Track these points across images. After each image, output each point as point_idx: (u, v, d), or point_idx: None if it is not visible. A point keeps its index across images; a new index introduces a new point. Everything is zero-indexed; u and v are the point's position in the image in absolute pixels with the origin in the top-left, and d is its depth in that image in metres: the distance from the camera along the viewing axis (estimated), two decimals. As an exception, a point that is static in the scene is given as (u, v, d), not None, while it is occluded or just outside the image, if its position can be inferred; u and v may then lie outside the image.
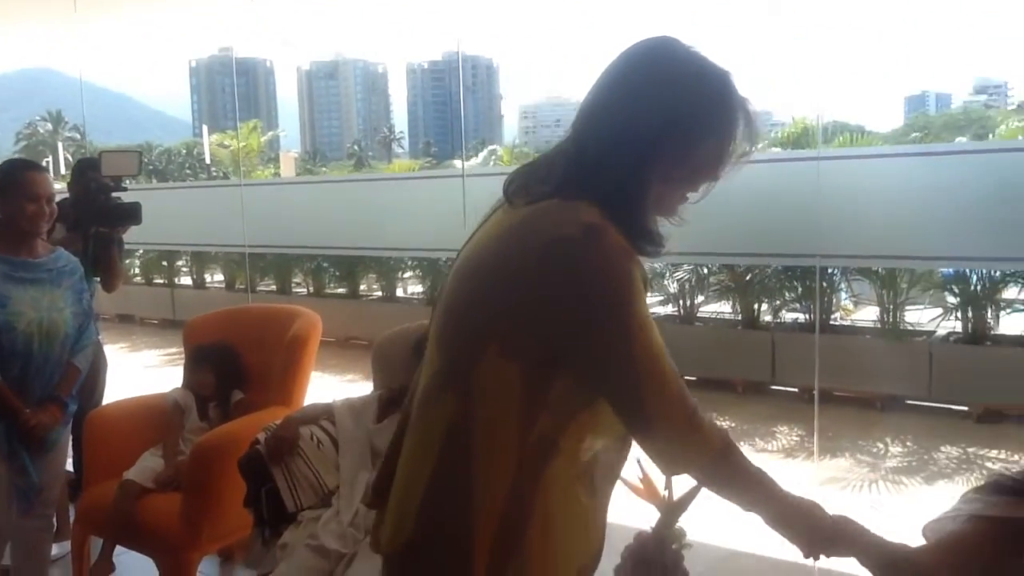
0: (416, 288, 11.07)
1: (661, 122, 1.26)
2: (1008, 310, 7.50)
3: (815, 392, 4.39)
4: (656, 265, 8.87)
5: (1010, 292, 7.57)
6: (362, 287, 11.13)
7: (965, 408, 6.72)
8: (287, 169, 17.13)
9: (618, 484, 1.69)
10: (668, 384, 1.24)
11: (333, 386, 7.07)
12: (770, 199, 3.07)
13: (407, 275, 11.05)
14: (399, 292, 11.02)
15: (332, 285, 11.22)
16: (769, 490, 1.33)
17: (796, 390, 7.70)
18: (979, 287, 7.43)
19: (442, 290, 1.38)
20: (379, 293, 11.02)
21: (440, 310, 1.34)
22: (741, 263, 7.41)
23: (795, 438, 6.38)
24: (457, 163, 11.73)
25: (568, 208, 1.23)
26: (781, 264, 7.05)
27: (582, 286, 1.20)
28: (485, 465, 1.24)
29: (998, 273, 7.29)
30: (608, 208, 1.24)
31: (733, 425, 6.70)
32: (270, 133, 18.49)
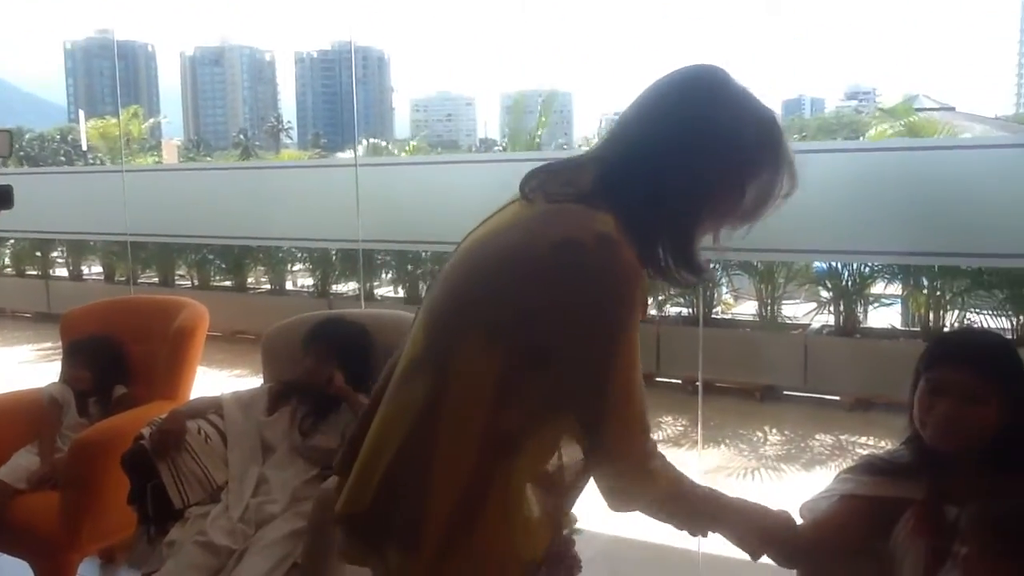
0: (306, 281, 10.90)
1: (709, 162, 1.27)
2: (876, 304, 7.92)
3: (699, 383, 4.54)
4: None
5: (878, 287, 8.00)
6: (249, 280, 10.88)
7: (837, 397, 7.08)
8: (169, 157, 16.56)
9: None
10: (634, 415, 1.27)
11: (220, 381, 6.90)
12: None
13: (296, 268, 10.87)
14: (288, 285, 10.83)
15: (218, 278, 10.93)
16: (711, 520, 1.43)
17: (680, 381, 7.92)
18: (850, 282, 7.81)
19: (438, 277, 1.39)
20: (267, 286, 10.80)
21: (437, 294, 1.36)
22: None
23: (679, 428, 6.58)
24: (343, 154, 11.60)
25: (586, 215, 1.24)
26: None
27: (584, 291, 1.21)
28: (449, 447, 1.25)
29: (867, 269, 7.69)
30: (629, 226, 1.24)
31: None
32: (151, 120, 17.81)
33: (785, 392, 7.38)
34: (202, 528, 2.47)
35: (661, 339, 8.03)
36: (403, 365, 1.35)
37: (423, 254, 9.45)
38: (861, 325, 7.72)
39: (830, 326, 7.79)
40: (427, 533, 1.25)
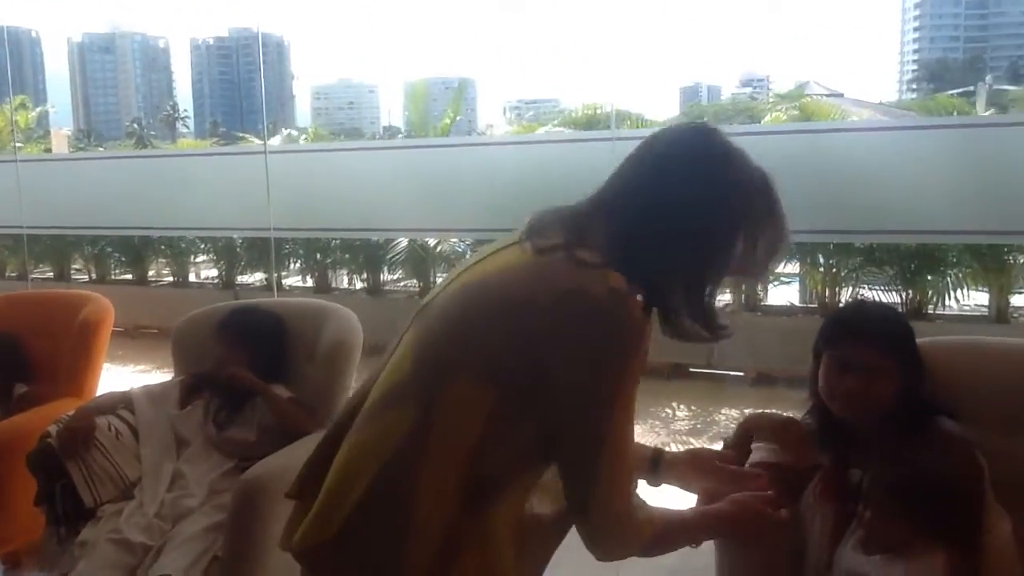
0: (210, 272, 10.65)
1: (722, 221, 1.27)
2: (775, 282, 8.20)
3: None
4: (459, 247, 9.00)
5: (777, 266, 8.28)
6: (151, 273, 10.58)
7: (741, 373, 7.31)
8: (59, 148, 15.88)
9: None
10: (625, 470, 1.27)
11: (124, 378, 6.70)
12: (566, 177, 3.23)
13: (200, 259, 10.61)
14: (192, 277, 10.56)
15: (118, 271, 10.58)
16: (687, 537, 1.46)
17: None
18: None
19: (430, 308, 1.35)
20: (170, 278, 10.51)
21: (429, 317, 1.32)
22: None
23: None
24: (249, 142, 11.33)
25: (597, 268, 1.21)
26: None
27: (591, 340, 1.19)
28: (430, 486, 1.22)
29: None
30: (641, 283, 1.23)
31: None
32: (38, 109, 17.04)
33: (691, 369, 7.58)
34: (116, 526, 2.41)
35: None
36: (382, 391, 1.30)
37: (332, 242, 9.35)
38: (762, 303, 7.98)
39: (732, 304, 8.04)
40: (404, 567, 1.22)
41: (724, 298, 8.12)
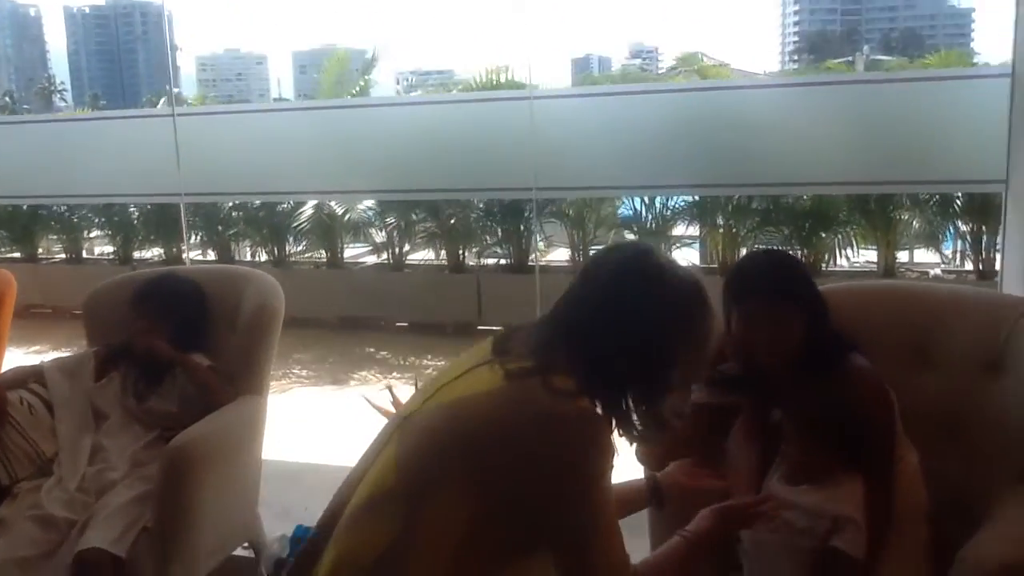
0: (105, 248, 10.23)
1: (663, 332, 1.38)
2: (678, 245, 8.43)
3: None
4: (367, 214, 8.92)
5: (679, 229, 8.51)
6: (40, 250, 10.10)
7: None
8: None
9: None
10: (619, 561, 1.37)
11: (18, 359, 6.41)
12: (487, 137, 3.26)
13: (94, 234, 10.19)
14: (85, 253, 10.13)
15: (3, 249, 10.08)
16: (687, 560, 1.53)
17: (500, 328, 8.13)
18: (653, 225, 8.26)
19: (410, 414, 1.44)
20: (62, 255, 10.06)
21: (412, 432, 1.40)
22: (461, 198, 7.62)
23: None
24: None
25: (571, 395, 1.33)
26: (499, 197, 7.37)
27: (569, 460, 1.31)
28: None
29: (668, 212, 8.16)
30: (597, 397, 1.36)
31: (445, 363, 6.95)
32: (-102, 81, 15.98)
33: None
34: (36, 502, 2.33)
35: (482, 288, 8.21)
36: (368, 493, 1.39)
37: (234, 214, 9.13)
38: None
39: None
40: None
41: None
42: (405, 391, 2.18)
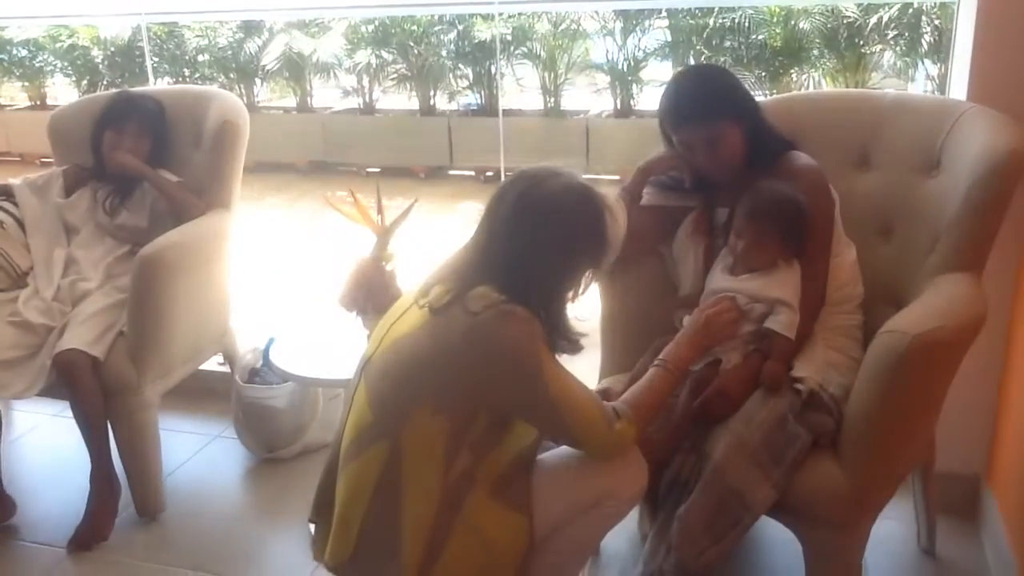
0: (70, 94, 9.97)
1: (565, 245, 1.56)
2: (646, 84, 8.35)
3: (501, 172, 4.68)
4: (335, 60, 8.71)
5: (649, 71, 8.40)
6: (4, 97, 9.85)
7: (616, 177, 7.54)
8: None
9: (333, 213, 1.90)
10: (585, 411, 1.55)
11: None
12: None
13: (57, 79, 9.91)
14: (50, 100, 9.89)
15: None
16: (666, 387, 1.70)
17: (472, 173, 8.16)
18: (625, 67, 8.16)
19: (369, 357, 1.65)
20: (27, 103, 9.82)
21: (373, 375, 1.61)
22: (421, 12, 7.41)
23: (476, 213, 6.83)
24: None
25: (489, 306, 1.50)
26: (457, 12, 7.20)
27: (498, 353, 1.50)
28: (413, 500, 1.54)
29: (641, 53, 8.04)
30: (516, 300, 1.51)
31: (420, 203, 6.99)
32: None
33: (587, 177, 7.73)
34: (14, 310, 2.42)
35: (453, 131, 8.16)
36: (353, 434, 1.61)
37: (200, 57, 8.90)
38: (636, 107, 8.15)
39: (609, 111, 8.18)
40: (407, 567, 1.54)
41: (602, 105, 8.24)
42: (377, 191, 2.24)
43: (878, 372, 1.61)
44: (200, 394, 3.04)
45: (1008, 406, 2.18)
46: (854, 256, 1.96)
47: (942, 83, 6.73)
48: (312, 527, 1.78)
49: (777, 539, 2.14)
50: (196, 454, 2.82)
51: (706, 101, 1.89)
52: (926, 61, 6.87)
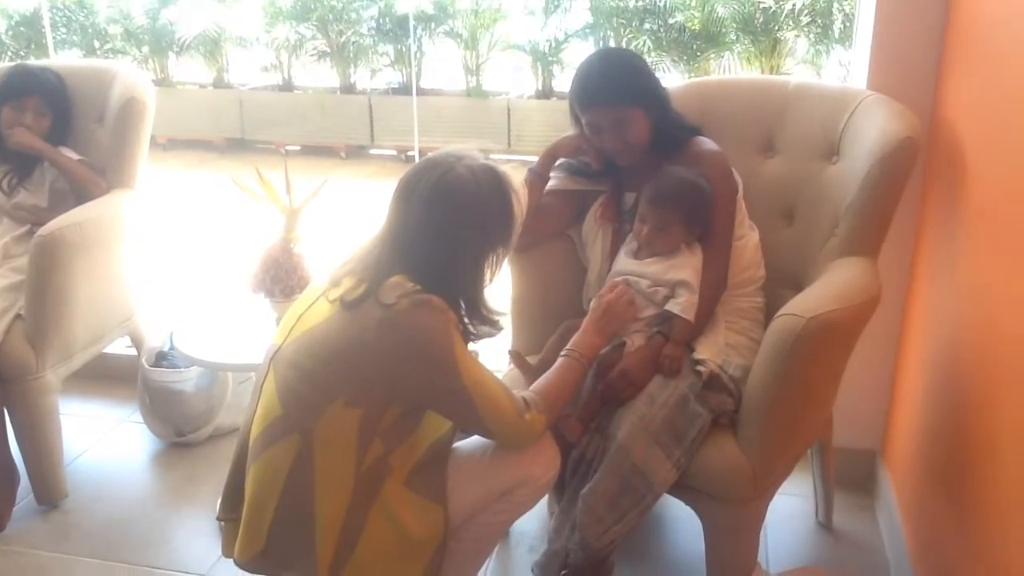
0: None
1: (481, 228, 1.57)
2: (567, 67, 8.35)
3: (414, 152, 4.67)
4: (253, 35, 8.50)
5: (568, 54, 8.42)
6: None
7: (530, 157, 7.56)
8: None
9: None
10: (497, 401, 1.56)
11: None
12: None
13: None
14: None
15: None
16: (575, 375, 1.73)
17: (394, 152, 8.09)
18: (546, 47, 8.16)
19: (279, 348, 1.62)
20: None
21: (282, 366, 1.58)
22: None
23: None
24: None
25: (402, 296, 1.49)
26: None
27: (412, 344, 1.49)
28: (325, 491, 1.53)
29: (563, 35, 8.06)
30: (432, 288, 1.51)
31: (339, 182, 6.91)
32: None
33: (492, 156, 7.73)
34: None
35: (374, 110, 8.07)
36: (261, 427, 1.59)
37: (110, 29, 8.60)
38: (557, 88, 8.17)
39: (529, 92, 8.18)
40: (321, 559, 1.54)
41: (524, 86, 8.23)
42: (275, 176, 2.21)
43: (775, 353, 1.66)
44: (106, 378, 2.97)
45: (902, 385, 2.27)
46: (757, 239, 2.00)
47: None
48: (220, 524, 1.75)
49: (678, 517, 2.20)
50: (101, 439, 2.75)
51: (615, 84, 1.90)
52: (836, 48, 7.04)
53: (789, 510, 2.30)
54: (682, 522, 2.23)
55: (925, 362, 2.06)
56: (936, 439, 1.92)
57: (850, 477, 2.37)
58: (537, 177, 2.04)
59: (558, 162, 2.09)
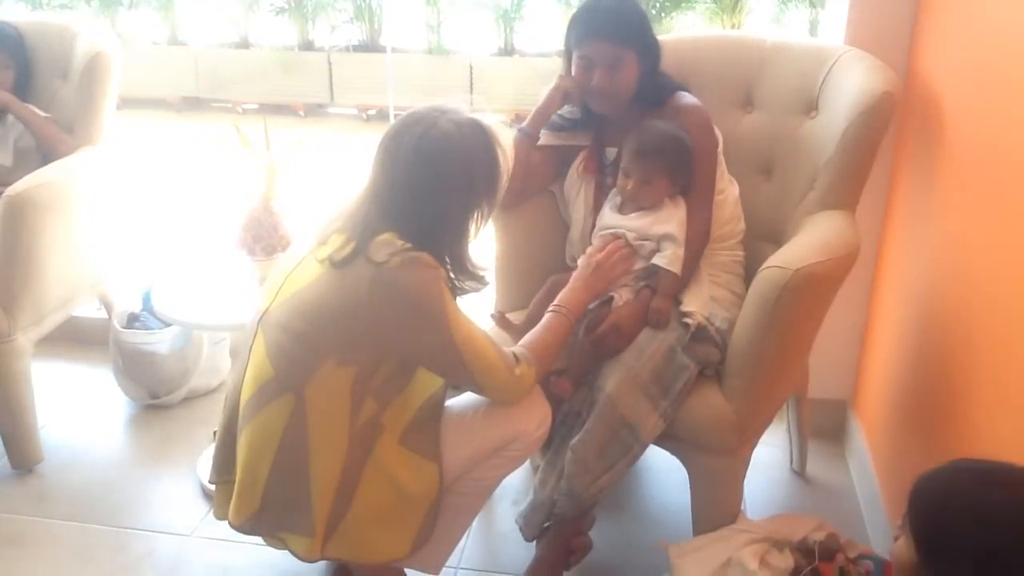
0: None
1: (467, 183, 1.56)
2: (529, 25, 8.27)
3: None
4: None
5: (530, 12, 8.33)
6: None
7: (502, 116, 7.51)
8: None
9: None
10: (487, 356, 1.57)
11: None
12: None
13: None
14: None
15: None
16: (563, 330, 1.73)
17: (355, 111, 7.98)
18: (509, 4, 8.08)
19: (267, 310, 1.61)
20: None
21: (272, 328, 1.58)
22: None
23: (359, 152, 6.71)
24: None
25: (391, 255, 1.48)
26: None
27: (404, 301, 1.49)
28: (320, 450, 1.54)
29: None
30: (420, 245, 1.51)
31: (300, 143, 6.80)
32: None
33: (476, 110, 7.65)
34: None
35: (333, 68, 7.94)
36: (252, 389, 1.58)
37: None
38: (518, 47, 8.10)
39: (494, 51, 8.10)
40: (318, 518, 1.55)
41: (487, 44, 8.15)
42: (253, 129, 2.18)
43: (762, 305, 1.68)
44: (77, 341, 2.92)
45: (873, 337, 2.32)
46: (736, 194, 2.02)
47: (813, 29, 6.99)
48: (213, 488, 1.75)
49: (664, 467, 2.24)
50: (74, 403, 2.71)
51: (623, 19, 1.91)
52: (802, 7, 7.05)
53: (765, 460, 2.36)
54: (665, 473, 2.27)
55: (898, 313, 2.11)
56: (908, 387, 1.98)
57: (823, 427, 2.43)
58: (527, 137, 2.03)
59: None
